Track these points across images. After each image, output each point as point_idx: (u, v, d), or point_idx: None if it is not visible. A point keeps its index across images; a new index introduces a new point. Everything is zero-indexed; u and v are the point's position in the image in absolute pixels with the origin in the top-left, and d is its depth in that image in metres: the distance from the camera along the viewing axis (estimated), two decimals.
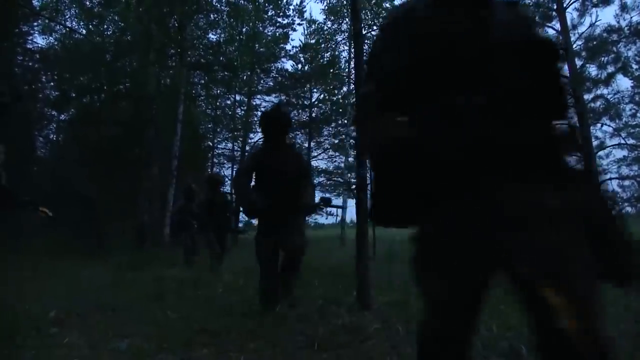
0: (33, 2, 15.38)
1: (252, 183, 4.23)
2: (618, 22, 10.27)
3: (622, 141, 10.53)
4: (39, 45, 16.09)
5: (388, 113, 1.29)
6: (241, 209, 5.39)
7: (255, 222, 4.60)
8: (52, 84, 16.28)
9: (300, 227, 4.37)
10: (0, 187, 3.72)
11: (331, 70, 20.19)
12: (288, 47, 20.61)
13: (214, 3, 16.54)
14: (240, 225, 15.25)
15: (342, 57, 20.63)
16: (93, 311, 4.00)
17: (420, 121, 1.25)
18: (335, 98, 20.85)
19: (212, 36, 17.69)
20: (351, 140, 17.95)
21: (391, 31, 1.45)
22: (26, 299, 4.11)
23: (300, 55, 20.72)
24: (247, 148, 20.06)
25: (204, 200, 8.02)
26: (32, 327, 3.17)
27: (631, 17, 10.08)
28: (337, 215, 20.39)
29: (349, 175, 17.76)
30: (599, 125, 10.68)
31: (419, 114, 1.25)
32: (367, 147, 1.55)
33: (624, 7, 10.22)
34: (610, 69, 10.39)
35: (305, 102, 21.47)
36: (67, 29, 16.84)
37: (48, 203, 4.59)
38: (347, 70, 19.84)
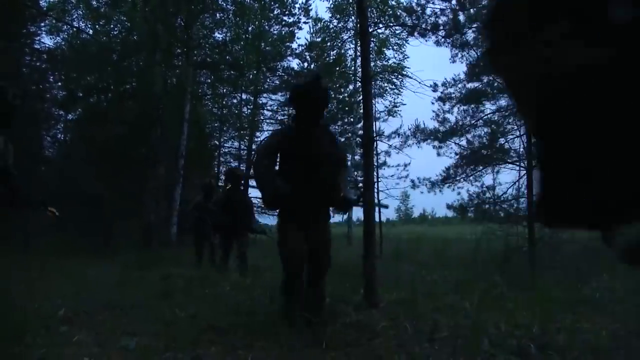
0: (40, 2, 15.47)
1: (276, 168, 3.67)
2: None
3: None
4: (46, 46, 16.17)
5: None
6: (261, 197, 4.24)
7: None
8: (59, 84, 16.35)
9: (329, 226, 3.82)
10: (10, 187, 3.73)
11: (337, 69, 20.17)
12: (294, 45, 20.62)
13: (219, 2, 16.56)
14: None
15: (348, 55, 20.64)
16: (101, 310, 4.02)
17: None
18: (341, 96, 20.82)
19: (218, 35, 17.72)
20: (357, 139, 17.94)
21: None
22: (35, 298, 4.13)
23: (306, 53, 20.72)
24: (254, 147, 20.08)
25: (222, 197, 7.34)
26: (41, 326, 3.19)
27: None
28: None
29: (355, 173, 17.73)
30: None
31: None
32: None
33: None
34: None
35: None
36: (74, 29, 16.92)
37: (55, 202, 4.61)
38: (353, 68, 19.81)
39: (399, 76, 19.77)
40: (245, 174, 14.22)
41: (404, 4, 13.78)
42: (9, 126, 3.58)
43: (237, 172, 7.87)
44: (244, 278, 5.88)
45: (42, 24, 15.67)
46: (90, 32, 17.01)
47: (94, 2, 16.49)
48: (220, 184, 15.60)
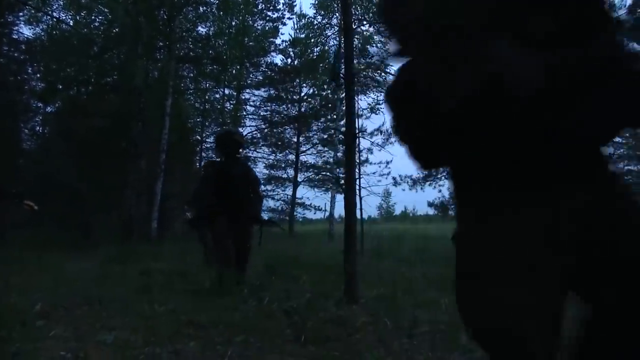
0: None
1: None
2: None
3: (622, 139, 10.64)
4: (25, 36, 15.87)
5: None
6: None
7: None
8: (38, 75, 16.08)
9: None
10: None
11: (321, 65, 20.18)
12: (278, 41, 20.59)
13: None
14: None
15: (331, 51, 20.63)
16: (79, 304, 3.98)
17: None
18: (324, 93, 20.84)
19: (201, 29, 17.59)
20: (340, 136, 17.97)
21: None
22: (11, 292, 4.07)
23: (290, 49, 20.70)
24: None
25: (212, 173, 5.15)
26: (17, 320, 3.14)
27: (618, 16, 10.18)
28: (325, 210, 20.43)
29: (337, 170, 17.77)
30: None
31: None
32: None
33: (611, 7, 10.32)
34: None
35: (295, 97, 21.45)
36: (55, 20, 16.64)
37: (34, 196, 4.54)
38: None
39: (382, 73, 19.85)
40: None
41: None
42: None
43: (236, 137, 5.35)
44: (240, 291, 4.44)
45: (21, 14, 15.38)
46: (71, 23, 16.75)
47: None
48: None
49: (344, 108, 5.86)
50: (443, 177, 11.84)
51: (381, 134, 19.81)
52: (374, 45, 20.15)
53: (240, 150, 5.50)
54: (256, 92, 21.47)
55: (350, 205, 4.35)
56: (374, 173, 20.31)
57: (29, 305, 3.67)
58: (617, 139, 10.49)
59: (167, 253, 8.96)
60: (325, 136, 21.57)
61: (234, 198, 5.02)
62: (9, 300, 3.67)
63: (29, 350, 2.63)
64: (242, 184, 5.19)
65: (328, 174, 20.28)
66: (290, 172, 22.65)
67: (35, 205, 4.17)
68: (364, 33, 19.43)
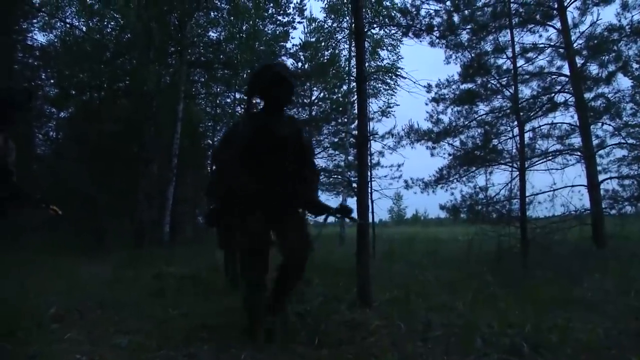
0: None
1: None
2: (619, 21, 10.21)
3: (622, 140, 10.50)
4: (39, 42, 16.05)
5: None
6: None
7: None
8: (51, 81, 16.24)
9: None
10: (12, 186, 3.73)
11: (331, 69, 20.16)
12: (288, 45, 20.57)
13: (214, 1, 16.51)
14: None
15: (342, 55, 20.62)
16: (93, 308, 4.01)
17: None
18: (335, 96, 20.81)
19: (212, 34, 17.64)
20: (351, 139, 17.93)
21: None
22: (27, 296, 4.11)
23: (301, 53, 20.68)
24: None
25: (242, 133, 3.23)
26: (33, 323, 3.17)
27: (632, 16, 10.01)
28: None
29: (349, 173, 17.73)
30: (599, 124, 10.61)
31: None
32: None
33: (625, 6, 10.15)
34: (611, 67, 10.33)
35: (305, 101, 21.45)
36: (68, 26, 16.80)
37: (47, 201, 4.57)
38: (347, 68, 19.80)
39: (393, 77, 19.79)
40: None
41: (399, 5, 13.81)
42: (13, 123, 3.63)
43: (284, 72, 3.31)
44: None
45: (35, 21, 15.56)
46: (84, 29, 16.90)
47: None
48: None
49: (355, 111, 5.86)
50: (455, 180, 11.74)
51: (392, 137, 19.73)
52: (384, 48, 20.14)
53: (290, 96, 3.41)
54: None
55: (362, 208, 4.34)
56: (385, 176, 20.22)
57: (44, 308, 3.70)
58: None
59: (179, 257, 8.99)
60: (336, 140, 21.53)
61: (278, 176, 3.20)
62: (24, 304, 3.70)
63: (44, 353, 2.65)
64: (292, 152, 3.26)
65: (339, 177, 20.23)
66: None
67: (59, 210, 4.21)
68: (374, 37, 19.42)
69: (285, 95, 3.30)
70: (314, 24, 20.79)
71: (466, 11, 10.96)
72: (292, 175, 3.24)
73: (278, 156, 3.16)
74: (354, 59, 5.73)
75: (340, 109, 20.20)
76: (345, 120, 19.82)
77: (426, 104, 12.59)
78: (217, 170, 3.97)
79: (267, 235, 3.15)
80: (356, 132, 5.05)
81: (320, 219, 3.54)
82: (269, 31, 19.79)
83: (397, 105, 20.55)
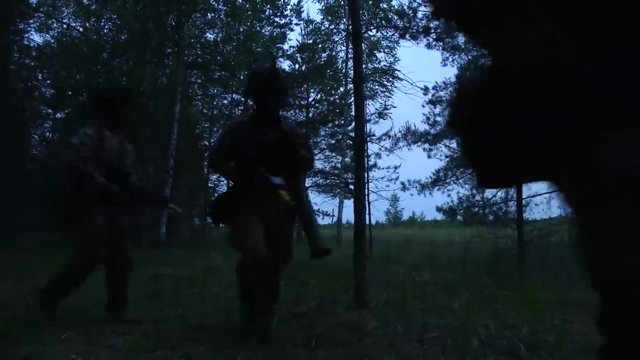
0: None
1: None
2: None
3: None
4: (36, 43, 16.01)
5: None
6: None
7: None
8: (48, 81, 16.20)
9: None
10: (132, 186, 3.79)
11: (328, 71, 20.19)
12: (285, 47, 20.60)
13: (211, 2, 16.51)
14: None
15: (339, 57, 20.66)
16: (90, 308, 3.98)
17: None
18: (332, 98, 20.83)
19: (209, 35, 17.65)
20: (348, 141, 17.94)
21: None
22: (23, 295, 4.08)
23: (298, 55, 20.71)
24: None
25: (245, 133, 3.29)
26: (28, 324, 3.15)
27: None
28: (333, 215, 20.41)
29: (345, 175, 17.74)
30: None
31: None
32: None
33: None
34: None
35: (302, 102, 21.46)
36: (65, 26, 16.77)
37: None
38: (344, 70, 19.84)
39: (390, 78, 19.84)
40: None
41: (396, 7, 13.86)
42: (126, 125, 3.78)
43: (272, 78, 3.30)
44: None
45: (32, 21, 15.51)
46: (81, 29, 16.88)
47: (85, 0, 16.38)
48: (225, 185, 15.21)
49: (352, 113, 5.87)
50: (452, 182, 11.78)
51: (389, 139, 19.79)
52: (381, 50, 20.19)
53: (277, 103, 3.37)
54: None
55: (359, 209, 4.34)
56: (382, 178, 20.24)
57: (39, 308, 3.68)
58: None
59: (175, 258, 8.97)
60: (333, 141, 21.55)
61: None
62: (20, 304, 3.68)
63: (39, 353, 2.63)
64: (277, 157, 3.22)
65: (336, 179, 20.24)
66: None
67: (178, 209, 4.21)
68: (372, 38, 19.46)
69: (273, 101, 3.32)
70: (311, 26, 20.84)
71: None
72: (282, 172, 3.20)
73: (264, 161, 3.15)
74: (351, 60, 5.75)
75: (337, 110, 20.22)
76: (342, 122, 19.84)
77: (423, 106, 12.65)
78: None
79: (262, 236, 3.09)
80: (353, 134, 5.06)
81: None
82: (266, 33, 19.82)
83: (394, 107, 20.64)
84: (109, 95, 3.81)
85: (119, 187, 3.58)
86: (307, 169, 3.57)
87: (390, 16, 15.34)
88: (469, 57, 11.37)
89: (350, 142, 16.68)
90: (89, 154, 3.50)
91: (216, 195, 3.44)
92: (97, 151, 3.56)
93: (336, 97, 20.73)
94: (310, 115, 21.34)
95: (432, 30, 11.28)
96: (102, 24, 17.00)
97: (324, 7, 20.34)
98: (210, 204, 3.24)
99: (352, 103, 6.98)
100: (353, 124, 4.87)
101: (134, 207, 3.87)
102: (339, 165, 20.33)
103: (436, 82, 12.39)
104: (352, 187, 4.90)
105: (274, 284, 3.26)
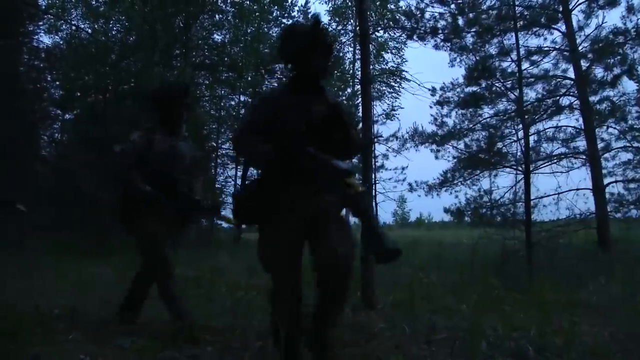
0: (39, 1, 15.43)
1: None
2: (624, 24, 10.17)
3: (628, 144, 10.46)
4: (45, 44, 16.11)
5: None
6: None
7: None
8: (57, 83, 16.29)
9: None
10: (181, 192, 3.55)
11: (336, 71, 20.19)
12: None
13: (219, 4, 16.56)
14: None
15: (346, 58, 20.65)
16: (97, 308, 4.00)
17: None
18: (339, 99, 20.81)
19: (217, 37, 17.70)
20: None
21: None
22: (31, 296, 4.11)
23: None
24: None
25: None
26: (37, 324, 3.17)
27: (638, 19, 9.97)
28: None
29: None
30: (604, 127, 10.58)
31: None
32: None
33: (630, 9, 10.12)
34: (616, 70, 10.29)
35: None
36: (74, 28, 16.87)
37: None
38: (351, 71, 19.83)
39: (398, 79, 19.81)
40: None
41: (403, 7, 13.84)
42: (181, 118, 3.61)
43: (318, 34, 2.56)
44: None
45: (41, 23, 15.62)
46: (89, 31, 16.98)
47: (93, 1, 16.49)
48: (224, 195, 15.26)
49: (359, 114, 5.87)
50: (459, 183, 11.72)
51: (397, 140, 19.75)
52: (389, 51, 20.16)
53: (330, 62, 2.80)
54: None
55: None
56: (389, 179, 20.22)
57: (48, 308, 3.71)
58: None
59: (182, 259, 8.98)
60: None
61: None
62: (28, 304, 3.71)
63: (48, 353, 2.65)
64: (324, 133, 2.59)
65: None
66: None
67: (230, 217, 3.81)
68: (379, 39, 19.45)
69: (321, 62, 2.59)
70: None
71: (471, 14, 10.97)
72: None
73: (308, 139, 2.42)
74: (359, 61, 5.74)
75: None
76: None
77: (431, 107, 12.59)
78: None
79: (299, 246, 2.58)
80: (360, 134, 5.05)
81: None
82: (274, 34, 19.83)
83: (402, 108, 20.62)
84: (165, 94, 3.56)
85: (166, 194, 3.40)
86: (356, 152, 2.99)
87: (397, 17, 15.33)
88: (477, 58, 11.33)
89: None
90: (133, 160, 3.39)
91: (240, 184, 2.73)
92: (144, 157, 3.41)
93: (344, 97, 20.71)
94: None
95: (440, 31, 11.25)
96: (111, 25, 17.07)
97: (331, 8, 20.35)
98: (234, 197, 2.51)
99: (360, 104, 6.99)
100: (360, 124, 4.86)
101: (183, 214, 3.63)
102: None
103: (444, 83, 12.33)
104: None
105: (340, 290, 2.60)
